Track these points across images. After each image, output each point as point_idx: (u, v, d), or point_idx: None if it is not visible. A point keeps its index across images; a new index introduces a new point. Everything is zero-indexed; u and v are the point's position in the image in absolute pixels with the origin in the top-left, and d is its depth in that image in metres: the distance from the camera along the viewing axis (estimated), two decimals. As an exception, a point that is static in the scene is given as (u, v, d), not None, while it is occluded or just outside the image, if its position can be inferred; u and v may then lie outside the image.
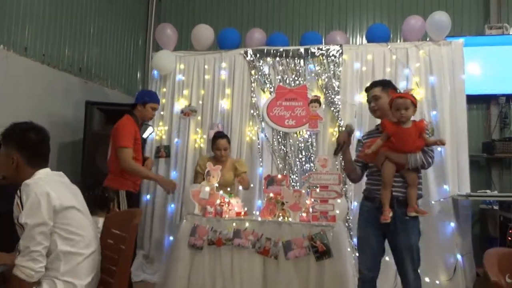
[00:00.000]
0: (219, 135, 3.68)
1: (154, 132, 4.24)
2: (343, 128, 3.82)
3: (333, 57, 4.05)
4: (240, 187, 3.44)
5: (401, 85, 3.72)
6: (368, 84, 2.66)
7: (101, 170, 3.43)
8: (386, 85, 2.54)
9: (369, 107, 2.57)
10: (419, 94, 3.79)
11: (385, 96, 2.46)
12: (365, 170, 2.59)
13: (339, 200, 2.89)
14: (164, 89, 4.40)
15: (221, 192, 3.14)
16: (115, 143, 3.05)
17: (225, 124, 4.21)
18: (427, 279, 3.45)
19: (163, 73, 4.40)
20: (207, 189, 3.07)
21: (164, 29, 4.45)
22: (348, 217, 3.68)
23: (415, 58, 3.89)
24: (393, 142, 2.30)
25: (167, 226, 4.15)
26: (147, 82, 4.94)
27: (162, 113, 4.31)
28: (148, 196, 4.25)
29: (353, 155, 2.63)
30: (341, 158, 3.24)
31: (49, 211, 1.69)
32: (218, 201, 3.04)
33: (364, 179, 2.61)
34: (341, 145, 2.48)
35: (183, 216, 3.15)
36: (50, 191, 1.71)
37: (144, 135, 3.94)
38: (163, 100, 4.30)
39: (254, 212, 3.48)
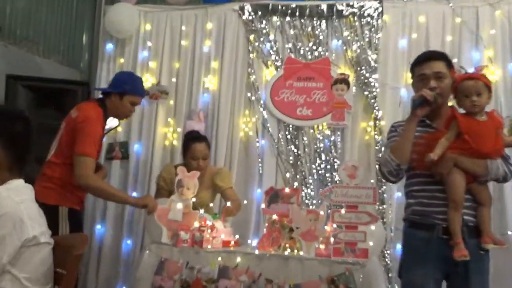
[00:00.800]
0: (194, 137, 3.60)
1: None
2: (381, 122, 3.85)
3: (369, 18, 4.06)
4: (229, 203, 3.42)
5: (467, 62, 3.72)
6: (421, 53, 2.64)
7: (28, 173, 3.39)
8: (450, 61, 2.54)
9: (420, 87, 2.45)
10: (494, 74, 3.81)
11: (449, 76, 2.45)
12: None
13: (373, 227, 2.87)
14: (122, 60, 4.42)
15: (201, 211, 3.11)
16: (74, 145, 2.98)
17: (209, 113, 4.22)
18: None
19: (121, 36, 4.42)
20: (180, 206, 3.05)
21: (123, -28, 4.46)
22: (386, 251, 3.69)
23: (489, 22, 3.91)
24: (466, 142, 2.31)
25: (122, 260, 4.15)
26: (96, 49, 4.91)
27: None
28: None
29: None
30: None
31: (14, 245, 1.73)
32: (196, 225, 3.02)
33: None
34: (426, 102, 2.37)
35: (145, 245, 3.13)
36: (25, 215, 1.77)
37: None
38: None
39: (249, 242, 3.49)
